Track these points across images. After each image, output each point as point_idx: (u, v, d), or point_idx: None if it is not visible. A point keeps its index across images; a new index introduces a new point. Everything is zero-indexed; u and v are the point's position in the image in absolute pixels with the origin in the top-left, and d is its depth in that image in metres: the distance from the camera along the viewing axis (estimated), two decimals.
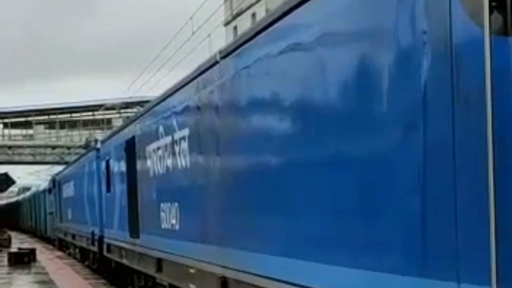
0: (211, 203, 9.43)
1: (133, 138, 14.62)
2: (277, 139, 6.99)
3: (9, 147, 78.59)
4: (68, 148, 76.74)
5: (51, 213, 38.48)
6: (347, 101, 5.60)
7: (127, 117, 43.67)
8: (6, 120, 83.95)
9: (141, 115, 14.06)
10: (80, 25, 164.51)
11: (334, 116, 5.73)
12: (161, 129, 12.07)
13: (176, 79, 11.61)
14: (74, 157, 39.72)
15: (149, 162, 13.15)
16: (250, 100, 7.88)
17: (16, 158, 77.63)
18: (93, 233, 21.78)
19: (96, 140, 22.92)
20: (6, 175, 42.07)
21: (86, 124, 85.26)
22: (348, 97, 5.56)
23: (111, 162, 17.77)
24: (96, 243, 21.24)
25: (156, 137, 12.42)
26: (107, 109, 70.59)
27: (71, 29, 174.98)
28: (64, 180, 30.93)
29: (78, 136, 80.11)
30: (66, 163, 43.90)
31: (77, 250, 28.74)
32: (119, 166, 16.69)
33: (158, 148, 12.31)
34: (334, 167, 5.80)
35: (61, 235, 33.65)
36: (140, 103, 52.10)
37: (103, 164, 19.06)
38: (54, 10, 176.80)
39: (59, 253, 34.27)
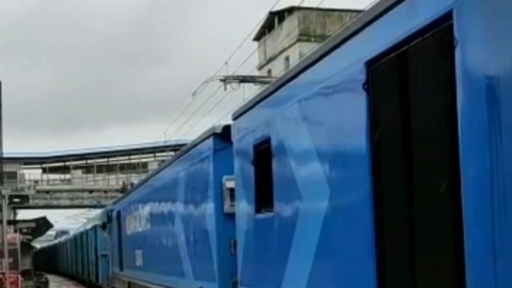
0: None
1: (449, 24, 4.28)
2: None
3: (47, 192, 72.74)
4: (105, 191, 71.71)
5: (104, 256, 26.66)
6: None
7: (162, 161, 36.76)
8: (44, 165, 78.92)
9: None
10: (143, 75, 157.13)
11: None
12: None
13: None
14: (110, 201, 30.06)
15: None
16: None
17: (54, 202, 72.32)
18: None
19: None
20: (44, 219, 38.99)
21: (122, 168, 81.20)
22: None
23: (282, 144, 7.29)
24: None
25: None
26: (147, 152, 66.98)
27: (134, 78, 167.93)
28: (128, 209, 19.04)
29: (115, 180, 75.31)
30: (102, 206, 36.67)
31: None
32: (318, 143, 6.28)
33: None
34: None
35: None
36: (175, 147, 50.40)
37: (243, 160, 8.63)
38: (121, 59, 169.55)
39: None
